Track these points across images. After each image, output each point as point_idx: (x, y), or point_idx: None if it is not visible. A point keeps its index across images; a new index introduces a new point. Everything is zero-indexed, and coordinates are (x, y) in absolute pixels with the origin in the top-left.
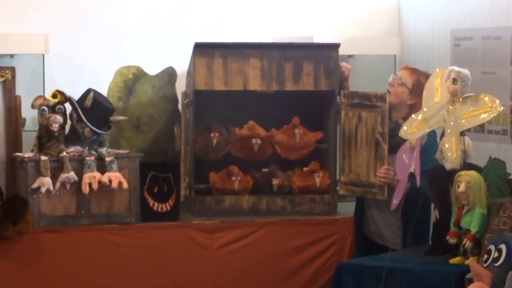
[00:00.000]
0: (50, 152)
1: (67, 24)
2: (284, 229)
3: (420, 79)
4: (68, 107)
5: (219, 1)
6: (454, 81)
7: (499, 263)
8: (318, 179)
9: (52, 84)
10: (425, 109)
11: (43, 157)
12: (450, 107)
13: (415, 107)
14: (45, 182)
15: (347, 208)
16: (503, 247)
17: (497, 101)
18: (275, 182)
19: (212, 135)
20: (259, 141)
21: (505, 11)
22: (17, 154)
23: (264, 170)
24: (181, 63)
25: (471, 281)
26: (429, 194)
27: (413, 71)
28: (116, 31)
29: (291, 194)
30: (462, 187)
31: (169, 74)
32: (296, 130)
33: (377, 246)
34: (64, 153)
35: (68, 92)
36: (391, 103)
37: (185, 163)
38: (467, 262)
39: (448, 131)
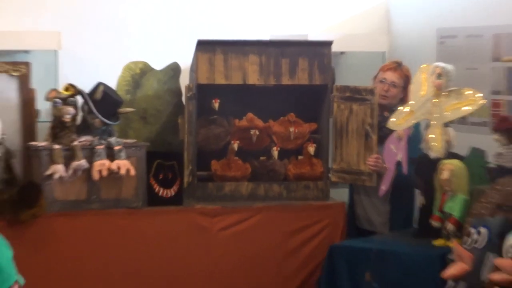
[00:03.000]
0: (63, 141)
1: (79, 22)
2: (280, 214)
3: (406, 74)
4: (79, 99)
5: (220, 2)
6: (439, 76)
7: (479, 245)
8: (312, 167)
9: (64, 78)
10: (412, 102)
11: (56, 146)
12: (435, 100)
13: (403, 100)
14: (58, 169)
15: (338, 194)
16: (483, 230)
17: (479, 95)
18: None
19: (213, 101)
20: (257, 132)
21: (486, 11)
22: (32, 143)
23: (262, 158)
24: (185, 59)
25: (453, 261)
26: (415, 181)
27: (399, 70)
28: (125, 29)
29: (287, 181)
30: (445, 175)
31: (174, 69)
32: (291, 129)
33: (366, 230)
34: (76, 142)
35: (79, 86)
36: (391, 104)
37: (188, 152)
38: (449, 244)
39: (433, 122)
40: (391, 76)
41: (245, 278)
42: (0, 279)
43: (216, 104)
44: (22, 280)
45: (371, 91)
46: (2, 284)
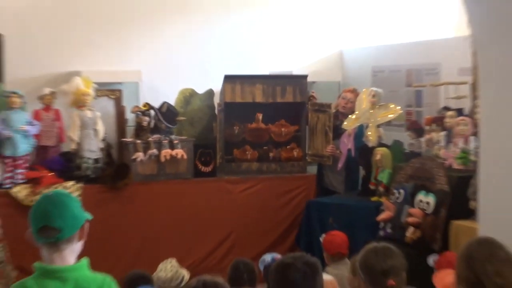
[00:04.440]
0: (142, 138)
1: (152, 64)
2: (276, 181)
3: (358, 96)
4: (152, 112)
5: (237, 52)
6: (374, 96)
7: (399, 200)
8: (295, 153)
9: (143, 99)
10: (357, 112)
11: (138, 141)
12: (371, 111)
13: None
14: (140, 155)
15: (311, 170)
16: (401, 191)
17: (398, 107)
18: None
19: (235, 127)
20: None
21: (403, 55)
22: (123, 139)
23: (265, 148)
24: (217, 86)
25: (383, 210)
26: (359, 161)
27: (355, 92)
28: (179, 67)
29: (280, 162)
30: (378, 157)
31: (210, 93)
32: (283, 129)
33: (330, 191)
34: (150, 139)
35: (152, 103)
36: (347, 113)
37: (219, 144)
38: (381, 200)
39: (370, 125)
40: (349, 95)
41: (254, 221)
42: (76, 222)
43: (236, 129)
44: (90, 216)
45: (329, 106)
46: (78, 224)
